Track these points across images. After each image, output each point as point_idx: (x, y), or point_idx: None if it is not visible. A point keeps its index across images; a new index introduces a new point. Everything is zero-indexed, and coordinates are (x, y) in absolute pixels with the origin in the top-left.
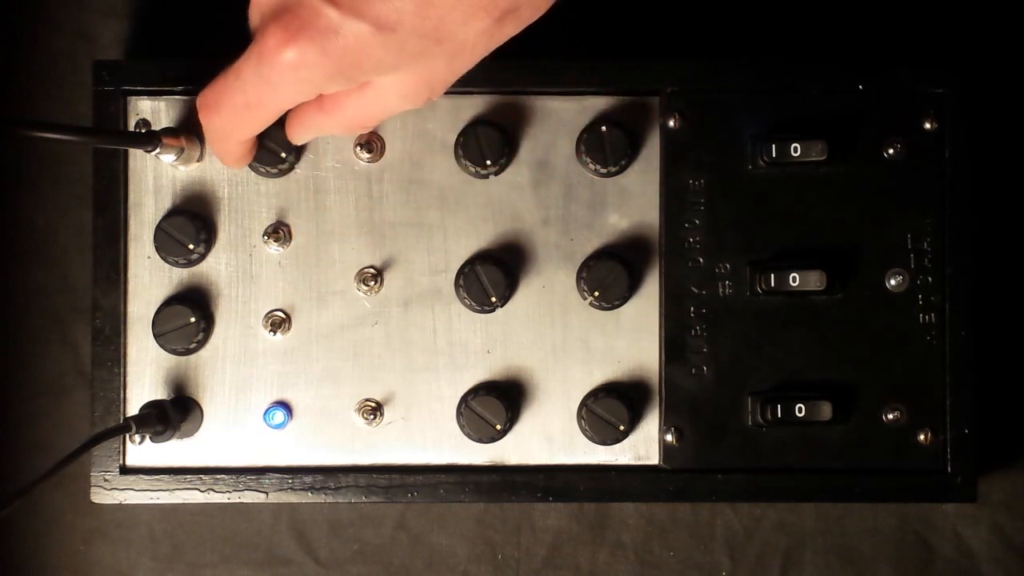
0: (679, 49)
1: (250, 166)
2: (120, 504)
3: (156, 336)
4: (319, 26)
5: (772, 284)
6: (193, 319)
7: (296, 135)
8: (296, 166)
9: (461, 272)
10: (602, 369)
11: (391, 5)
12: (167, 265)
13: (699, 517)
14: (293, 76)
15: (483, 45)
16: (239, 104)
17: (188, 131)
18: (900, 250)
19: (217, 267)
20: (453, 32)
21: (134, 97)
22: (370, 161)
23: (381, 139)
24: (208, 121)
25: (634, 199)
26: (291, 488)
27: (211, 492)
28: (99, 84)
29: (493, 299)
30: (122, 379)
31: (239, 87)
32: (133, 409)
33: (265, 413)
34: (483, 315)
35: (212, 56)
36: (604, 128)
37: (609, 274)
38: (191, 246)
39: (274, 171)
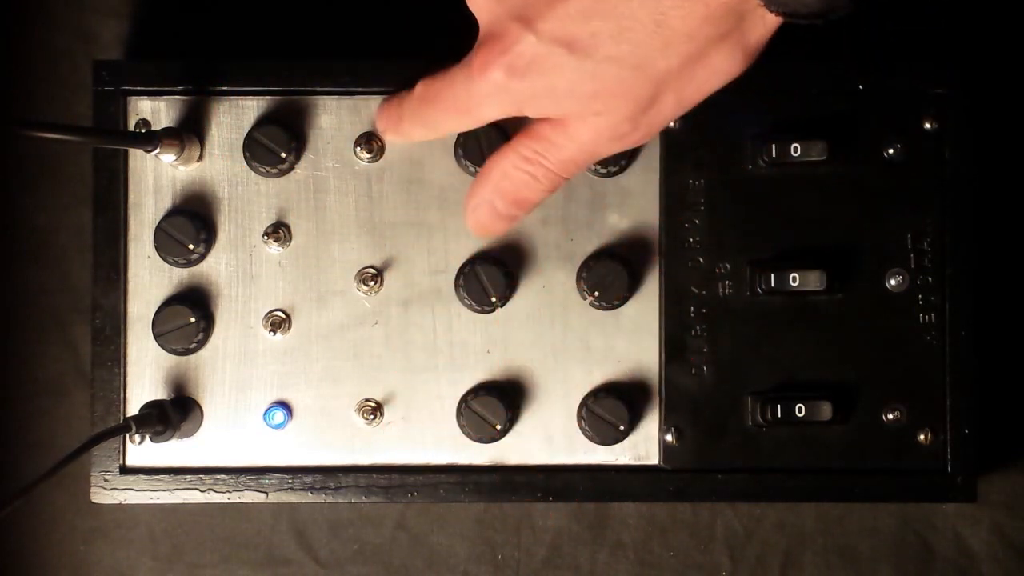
0: None
1: (250, 166)
2: (120, 504)
3: (156, 336)
4: (517, 51)
5: (772, 284)
6: (193, 319)
7: (486, 182)
8: (296, 166)
9: (461, 272)
10: (602, 369)
11: (587, 28)
12: (167, 265)
13: (699, 517)
14: (495, 96)
15: (690, 83)
16: (450, 107)
17: (188, 131)
18: (900, 250)
19: (217, 267)
20: (651, 59)
21: (134, 97)
22: (370, 161)
23: (381, 139)
24: (422, 109)
25: (634, 199)
26: (291, 488)
27: (211, 492)
28: (99, 84)
29: (493, 299)
30: (122, 379)
31: (452, 93)
32: (133, 409)
33: (265, 413)
34: (483, 315)
35: (212, 56)
36: None
37: (609, 274)
38: (191, 246)
39: (274, 171)
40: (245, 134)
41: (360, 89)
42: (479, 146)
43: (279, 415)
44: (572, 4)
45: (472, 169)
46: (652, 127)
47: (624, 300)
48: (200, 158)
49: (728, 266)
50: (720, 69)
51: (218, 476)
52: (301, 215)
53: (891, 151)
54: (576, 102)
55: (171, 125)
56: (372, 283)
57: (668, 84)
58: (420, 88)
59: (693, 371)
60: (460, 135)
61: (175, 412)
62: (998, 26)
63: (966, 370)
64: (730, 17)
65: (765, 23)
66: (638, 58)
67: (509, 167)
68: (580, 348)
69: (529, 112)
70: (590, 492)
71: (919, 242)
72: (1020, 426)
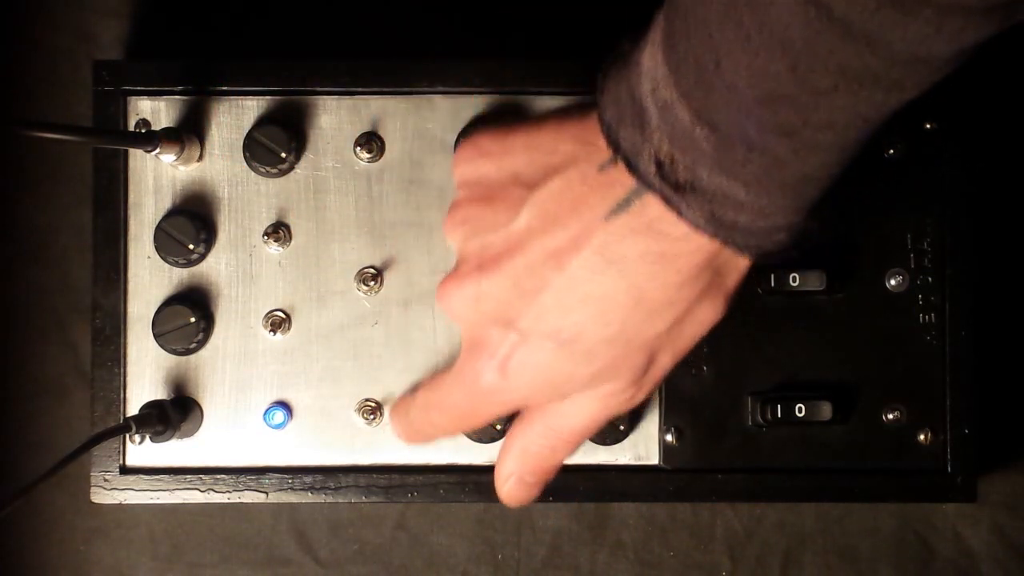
0: None
1: (250, 166)
2: (120, 504)
3: (156, 336)
4: (504, 353)
5: (772, 284)
6: (193, 319)
7: (510, 458)
8: (296, 166)
9: None
10: None
11: (569, 319)
12: (167, 265)
13: (699, 517)
14: (493, 398)
15: (680, 339)
16: (454, 415)
17: (188, 131)
18: (900, 250)
19: (217, 267)
20: (639, 331)
21: (134, 97)
22: (370, 161)
23: (381, 139)
24: (428, 418)
25: None
26: (291, 488)
27: (211, 492)
28: (99, 84)
29: None
30: (122, 379)
31: (452, 402)
32: (133, 409)
33: (265, 413)
34: None
35: (212, 56)
36: None
37: None
38: (191, 246)
39: (274, 171)
40: (245, 134)
41: (360, 89)
42: None
43: (279, 415)
44: (548, 297)
45: None
46: (655, 383)
47: None
48: (200, 158)
49: None
50: (706, 319)
51: (218, 476)
52: (301, 215)
53: (891, 151)
54: (576, 386)
55: (171, 125)
56: (372, 283)
57: (661, 346)
58: (421, 398)
59: (693, 371)
60: (460, 135)
61: (175, 412)
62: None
63: (966, 370)
64: (706, 274)
65: (739, 266)
66: (626, 334)
67: (529, 444)
68: None
69: (533, 403)
70: (590, 492)
71: (919, 242)
72: (1020, 426)
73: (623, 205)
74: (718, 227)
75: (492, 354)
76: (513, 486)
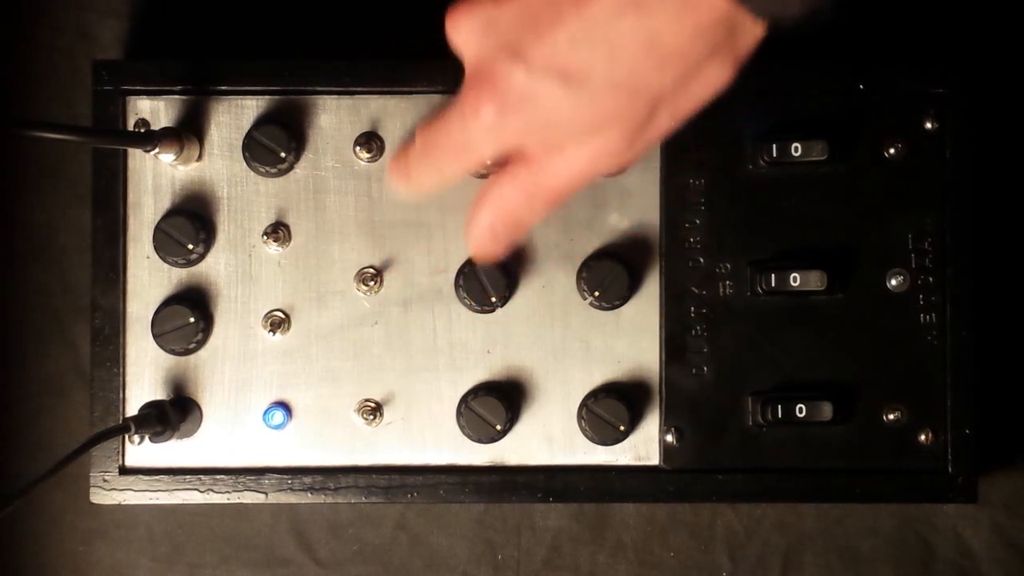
0: None
1: (250, 166)
2: (120, 504)
3: (155, 336)
4: (509, 87)
5: (772, 284)
6: (192, 319)
7: (486, 207)
8: (296, 166)
9: (461, 272)
10: (602, 369)
11: (580, 56)
12: (167, 265)
13: (699, 517)
14: (490, 134)
15: (684, 97)
16: (449, 151)
17: (187, 131)
18: (900, 250)
19: (217, 267)
20: (647, 80)
21: (134, 97)
22: (370, 161)
23: (381, 139)
24: (424, 157)
25: (634, 199)
26: (291, 488)
27: (211, 492)
28: (99, 84)
29: (493, 299)
30: (122, 379)
31: (449, 137)
32: (133, 409)
33: (265, 413)
34: (483, 315)
35: (212, 56)
36: None
37: (609, 274)
38: (190, 246)
39: (274, 171)
40: (245, 134)
41: (360, 89)
42: None
43: (278, 415)
44: (561, 32)
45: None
46: (648, 144)
47: (624, 300)
48: (199, 158)
49: (728, 266)
50: (713, 80)
51: (218, 476)
52: (301, 215)
53: (891, 151)
54: (574, 131)
55: (170, 125)
56: (372, 283)
57: (663, 101)
58: (419, 136)
59: (693, 371)
60: None
61: (174, 412)
62: (998, 26)
63: (966, 370)
64: (720, 29)
65: (754, 31)
66: (634, 81)
67: (508, 193)
68: (580, 348)
69: (528, 144)
70: (590, 492)
71: (919, 242)
72: (1020, 426)
73: None
74: None
75: (494, 86)
76: (484, 235)
